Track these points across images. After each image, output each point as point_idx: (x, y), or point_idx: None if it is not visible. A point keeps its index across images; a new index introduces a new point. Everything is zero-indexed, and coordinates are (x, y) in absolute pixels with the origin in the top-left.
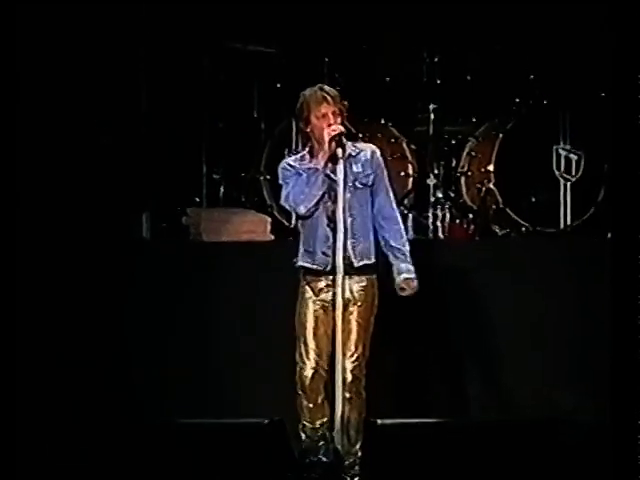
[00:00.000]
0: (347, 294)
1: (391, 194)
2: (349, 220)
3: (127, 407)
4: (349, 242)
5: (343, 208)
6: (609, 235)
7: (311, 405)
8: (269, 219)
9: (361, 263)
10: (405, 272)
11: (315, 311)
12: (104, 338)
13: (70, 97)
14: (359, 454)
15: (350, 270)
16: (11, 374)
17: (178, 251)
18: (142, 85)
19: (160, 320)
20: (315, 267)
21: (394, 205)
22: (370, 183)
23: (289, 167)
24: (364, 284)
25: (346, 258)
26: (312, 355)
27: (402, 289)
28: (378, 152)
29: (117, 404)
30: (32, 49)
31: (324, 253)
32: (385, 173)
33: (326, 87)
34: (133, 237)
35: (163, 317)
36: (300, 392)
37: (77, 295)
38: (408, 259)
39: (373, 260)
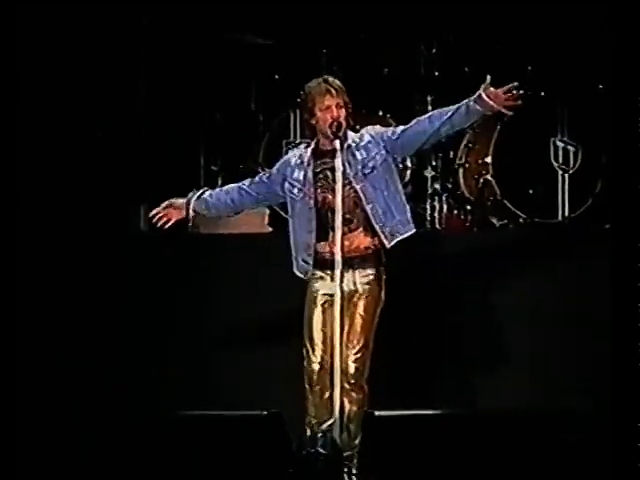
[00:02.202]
0: (352, 287)
1: (398, 127)
2: (369, 207)
3: (125, 399)
4: (377, 227)
5: (343, 201)
6: (607, 226)
7: (317, 400)
8: (267, 211)
9: (395, 241)
10: (472, 100)
11: (322, 304)
12: (101, 331)
13: (67, 91)
14: (358, 447)
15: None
16: (10, 362)
17: (176, 243)
18: (140, 78)
19: (158, 312)
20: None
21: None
22: (379, 163)
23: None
24: (370, 277)
25: (378, 244)
26: (318, 349)
27: (490, 105)
28: (372, 130)
29: (115, 396)
30: (31, 35)
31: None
32: (384, 129)
33: (330, 78)
34: (131, 229)
35: (161, 309)
36: (307, 386)
37: (74, 287)
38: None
39: (410, 231)
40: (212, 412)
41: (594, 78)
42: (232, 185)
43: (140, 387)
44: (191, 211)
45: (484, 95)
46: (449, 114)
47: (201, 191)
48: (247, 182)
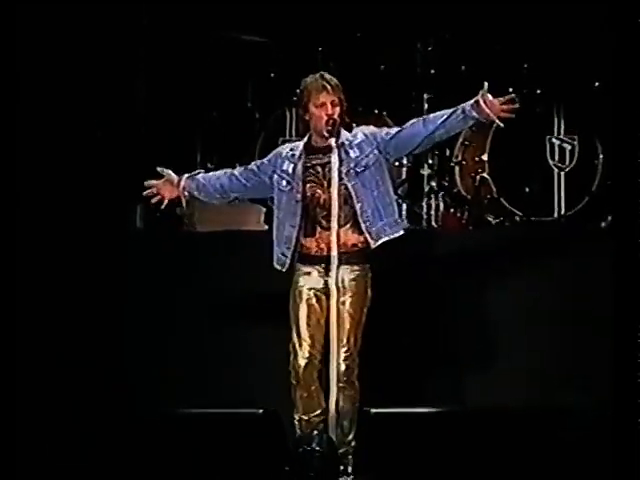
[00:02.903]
0: (339, 283)
1: (393, 128)
2: (358, 205)
3: (122, 397)
4: (363, 226)
5: (338, 195)
6: (603, 224)
7: (305, 394)
8: (263, 208)
9: (380, 242)
10: (468, 105)
11: (308, 300)
12: (98, 328)
13: (65, 90)
14: (353, 443)
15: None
16: (9, 361)
17: (172, 241)
18: (136, 76)
19: (154, 310)
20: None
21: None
22: (372, 162)
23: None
24: (356, 274)
25: (365, 241)
26: (305, 344)
27: (486, 112)
28: (367, 129)
29: (112, 394)
30: (31, 35)
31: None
32: (378, 129)
33: (327, 75)
34: (127, 227)
35: (157, 307)
36: (294, 382)
37: (71, 285)
38: (455, 109)
39: (397, 233)
40: (209, 410)
41: (590, 75)
42: (225, 170)
43: (138, 385)
44: (182, 188)
45: (481, 101)
46: (444, 118)
47: (195, 172)
48: (239, 169)
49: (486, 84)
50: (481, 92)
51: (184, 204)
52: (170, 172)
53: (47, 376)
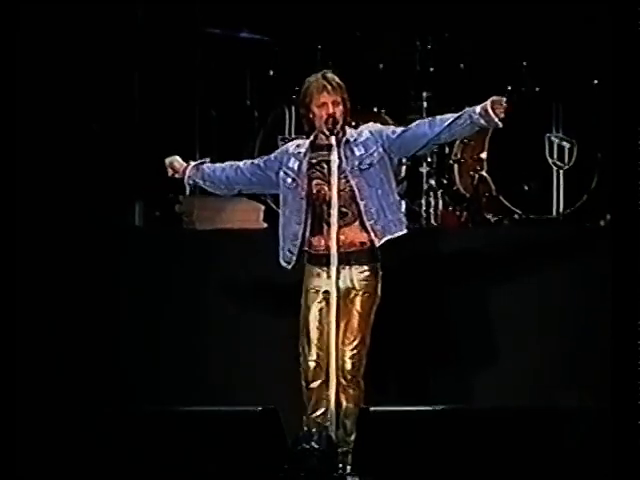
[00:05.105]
0: (348, 283)
1: (399, 127)
2: (362, 203)
3: (119, 394)
4: (368, 224)
5: (339, 194)
6: (602, 222)
7: (314, 397)
8: (262, 207)
9: (384, 239)
10: (476, 113)
11: (318, 302)
12: (97, 327)
13: (64, 87)
14: (353, 443)
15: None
16: (7, 357)
17: (171, 239)
18: (135, 73)
19: (153, 308)
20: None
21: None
22: (376, 161)
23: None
24: (367, 274)
25: (369, 242)
26: (314, 347)
27: (495, 122)
28: (372, 127)
29: (110, 391)
30: (29, 35)
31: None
32: (384, 127)
33: (329, 75)
34: (126, 225)
35: (156, 305)
36: (304, 383)
37: (69, 284)
38: (461, 114)
39: (401, 231)
40: (208, 408)
41: (589, 73)
42: (231, 162)
43: (136, 383)
44: (187, 176)
45: (490, 110)
46: (450, 121)
47: (201, 160)
48: (246, 162)
49: (503, 98)
50: (491, 100)
51: (187, 191)
52: (178, 158)
53: (45, 374)
